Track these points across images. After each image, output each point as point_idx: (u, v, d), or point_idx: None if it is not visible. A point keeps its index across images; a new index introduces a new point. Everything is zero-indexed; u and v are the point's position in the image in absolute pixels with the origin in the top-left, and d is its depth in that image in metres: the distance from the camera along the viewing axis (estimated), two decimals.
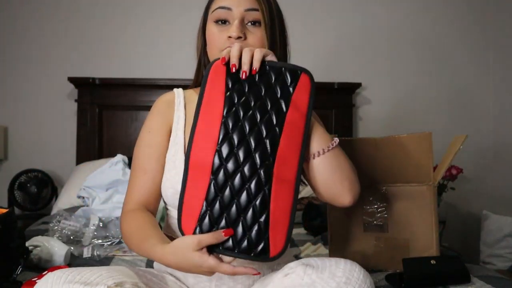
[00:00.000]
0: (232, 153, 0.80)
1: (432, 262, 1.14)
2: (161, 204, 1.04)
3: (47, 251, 1.30)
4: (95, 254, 1.45)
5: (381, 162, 1.25)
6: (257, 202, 0.79)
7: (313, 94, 0.84)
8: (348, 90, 2.92)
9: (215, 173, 0.80)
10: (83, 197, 2.10)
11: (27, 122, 2.81)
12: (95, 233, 1.64)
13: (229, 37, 0.93)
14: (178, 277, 0.98)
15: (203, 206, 0.79)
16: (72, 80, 2.72)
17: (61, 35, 2.84)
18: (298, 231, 1.87)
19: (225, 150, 0.80)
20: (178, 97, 1.05)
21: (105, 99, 2.76)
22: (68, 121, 2.81)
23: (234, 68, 0.82)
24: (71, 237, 1.62)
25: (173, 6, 2.89)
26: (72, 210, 2.04)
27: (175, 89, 1.08)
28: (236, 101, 0.82)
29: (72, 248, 1.46)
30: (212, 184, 0.80)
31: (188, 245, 0.76)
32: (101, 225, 1.68)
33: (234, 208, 0.79)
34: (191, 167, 0.81)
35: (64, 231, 1.63)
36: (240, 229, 0.78)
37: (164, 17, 2.90)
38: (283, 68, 0.84)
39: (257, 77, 0.83)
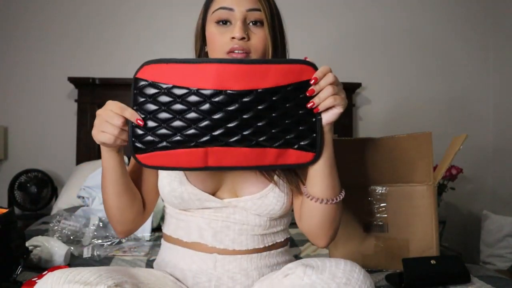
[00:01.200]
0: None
1: (432, 262, 1.14)
2: (161, 204, 1.04)
3: (47, 251, 1.30)
4: (95, 254, 1.45)
5: (381, 162, 1.25)
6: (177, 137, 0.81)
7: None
8: (348, 90, 2.92)
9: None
10: (83, 197, 2.10)
11: (27, 122, 2.81)
12: (95, 233, 1.64)
13: (233, 38, 0.92)
14: (178, 277, 0.98)
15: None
16: (72, 80, 2.72)
17: (61, 35, 2.84)
18: (298, 231, 1.86)
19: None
20: None
21: (105, 99, 2.71)
22: (68, 121, 2.81)
23: (312, 92, 0.82)
24: (71, 237, 1.63)
25: (173, 6, 2.89)
26: (72, 210, 2.03)
27: None
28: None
29: (72, 248, 1.46)
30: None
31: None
32: (101, 225, 1.68)
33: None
34: None
35: (64, 231, 1.63)
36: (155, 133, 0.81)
37: (164, 17, 2.90)
38: (315, 134, 0.83)
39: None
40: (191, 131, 0.81)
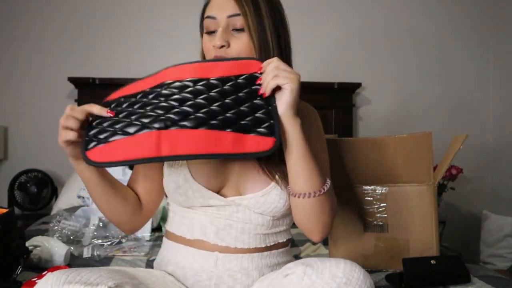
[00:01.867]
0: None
1: (432, 262, 1.14)
2: (162, 204, 1.04)
3: (47, 251, 1.30)
4: (95, 254, 1.45)
5: (381, 162, 1.25)
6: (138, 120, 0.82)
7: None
8: (348, 90, 2.92)
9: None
10: (83, 197, 2.10)
11: (27, 122, 2.81)
12: (95, 233, 1.64)
13: (214, 46, 0.93)
14: (178, 277, 0.98)
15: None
16: (72, 80, 2.72)
17: (61, 35, 2.84)
18: (298, 231, 1.86)
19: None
20: None
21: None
22: None
23: (260, 80, 0.84)
24: (71, 237, 1.63)
25: (173, 6, 2.89)
26: (72, 210, 2.03)
27: None
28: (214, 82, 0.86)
29: (72, 248, 1.46)
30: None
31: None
32: (101, 225, 1.68)
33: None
34: None
35: (64, 231, 1.63)
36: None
37: (164, 17, 2.90)
38: (270, 117, 0.82)
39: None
40: (146, 117, 0.81)
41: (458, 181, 2.72)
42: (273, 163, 0.94)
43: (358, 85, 2.92)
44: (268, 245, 0.99)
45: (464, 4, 3.11)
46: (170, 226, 1.03)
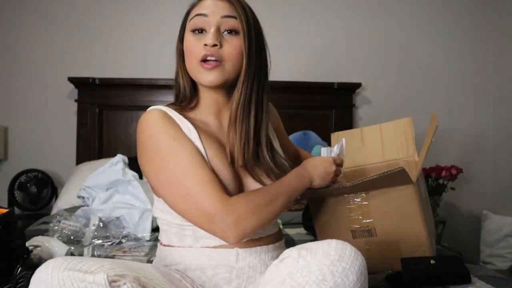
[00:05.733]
0: None
1: (432, 262, 1.14)
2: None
3: (47, 251, 1.30)
4: (95, 254, 1.46)
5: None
6: None
7: None
8: (348, 90, 2.92)
9: None
10: (83, 197, 2.10)
11: (27, 122, 2.81)
12: (95, 233, 1.64)
13: (205, 44, 0.92)
14: (194, 272, 0.97)
15: None
16: (72, 80, 2.72)
17: (61, 35, 2.84)
18: (298, 231, 1.87)
19: None
20: (170, 112, 0.98)
21: (105, 99, 2.76)
22: (68, 121, 2.81)
23: None
24: (71, 237, 1.63)
25: (174, 6, 2.89)
26: (72, 210, 2.03)
27: (161, 107, 1.00)
28: None
29: (72, 248, 1.46)
30: None
31: (329, 160, 1.06)
32: (101, 225, 1.68)
33: None
34: None
35: (64, 231, 1.63)
36: None
37: (164, 17, 2.89)
38: None
39: None
40: None
41: (458, 181, 2.72)
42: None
43: (358, 85, 2.92)
44: (276, 231, 1.06)
45: (464, 2, 3.11)
46: (184, 242, 0.99)
